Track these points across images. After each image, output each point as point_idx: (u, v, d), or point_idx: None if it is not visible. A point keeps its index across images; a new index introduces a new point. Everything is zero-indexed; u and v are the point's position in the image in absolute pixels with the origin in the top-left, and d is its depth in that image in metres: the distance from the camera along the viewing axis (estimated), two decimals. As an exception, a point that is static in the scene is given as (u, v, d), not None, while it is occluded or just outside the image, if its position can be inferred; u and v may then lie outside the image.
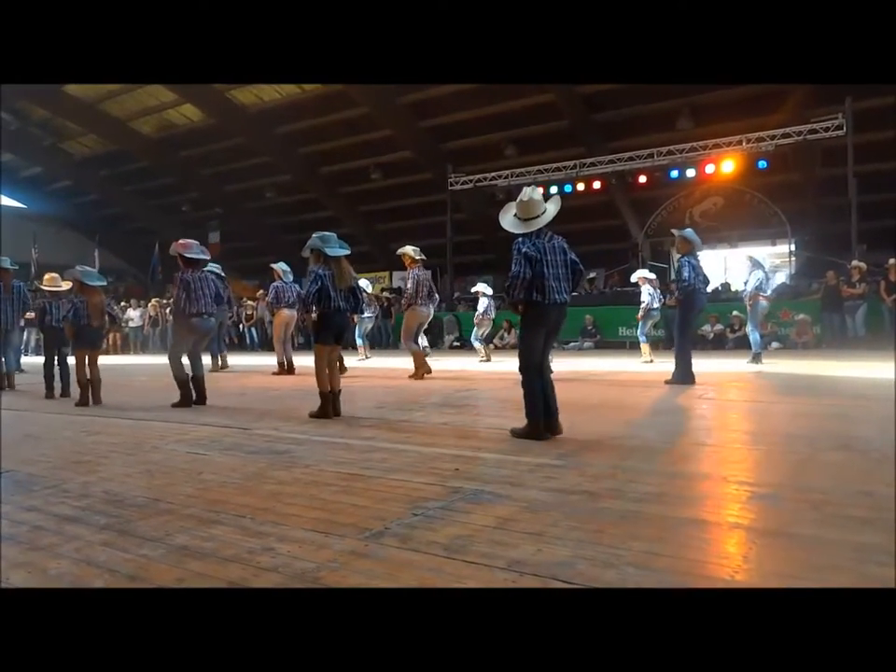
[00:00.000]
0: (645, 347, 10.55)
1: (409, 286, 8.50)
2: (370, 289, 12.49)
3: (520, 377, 4.17)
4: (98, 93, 20.11)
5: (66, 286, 7.59)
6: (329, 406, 5.17)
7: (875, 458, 3.31)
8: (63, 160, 24.74)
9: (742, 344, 11.98)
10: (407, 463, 3.44)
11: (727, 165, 15.42)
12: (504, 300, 16.59)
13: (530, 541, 2.17)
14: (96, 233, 24.54)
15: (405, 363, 8.97)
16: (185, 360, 6.27)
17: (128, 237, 28.69)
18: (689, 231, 7.24)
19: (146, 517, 2.57)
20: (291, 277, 10.17)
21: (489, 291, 11.93)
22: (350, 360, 10.08)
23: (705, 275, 7.16)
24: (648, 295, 10.27)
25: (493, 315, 11.77)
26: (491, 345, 13.26)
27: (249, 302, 19.41)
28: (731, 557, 2.06)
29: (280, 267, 10.03)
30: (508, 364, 9.71)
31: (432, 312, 8.99)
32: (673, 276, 14.67)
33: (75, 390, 6.72)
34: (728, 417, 5.15)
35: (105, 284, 6.92)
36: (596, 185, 17.04)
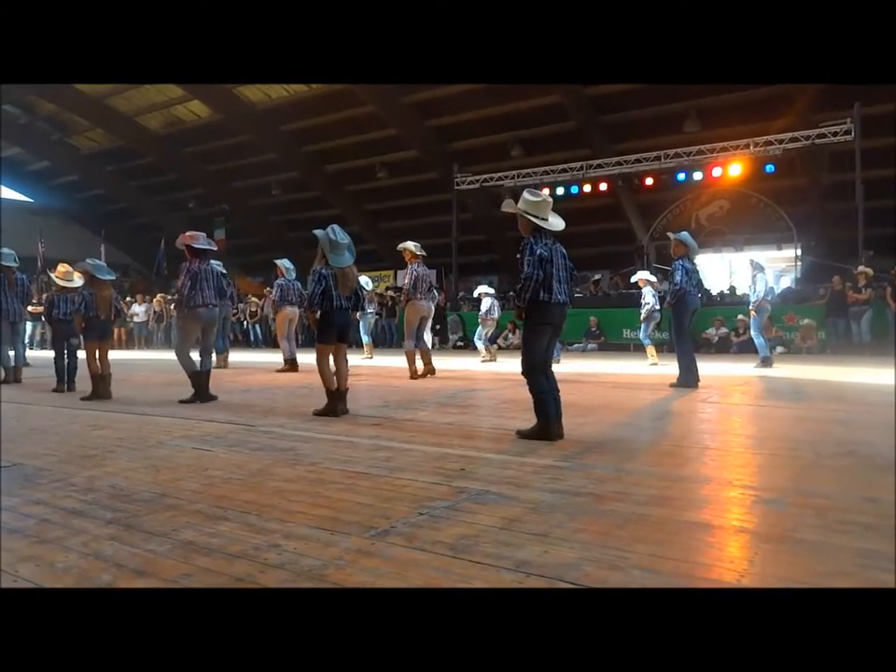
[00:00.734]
0: (650, 349, 10.54)
1: (407, 280, 8.52)
2: (369, 287, 12.51)
3: (524, 379, 4.19)
4: (105, 89, 20.16)
5: (79, 281, 7.61)
6: (336, 404, 5.16)
7: (880, 464, 3.31)
8: (69, 154, 24.81)
9: (746, 348, 11.97)
10: (412, 462, 3.45)
11: (734, 169, 15.38)
12: (512, 301, 16.61)
13: (536, 542, 2.17)
14: (102, 228, 24.59)
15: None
16: (195, 356, 6.28)
17: (134, 232, 28.75)
18: (684, 235, 7.23)
19: (152, 512, 2.58)
20: (295, 274, 10.19)
21: (491, 291, 11.92)
22: (354, 359, 10.08)
23: (699, 279, 7.19)
24: (651, 297, 10.26)
25: (496, 315, 11.76)
26: (495, 345, 13.24)
27: (254, 299, 19.44)
28: (736, 561, 2.07)
29: (284, 264, 10.05)
30: (511, 365, 9.71)
31: (433, 307, 8.99)
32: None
33: (81, 384, 6.74)
34: (732, 421, 5.15)
35: (114, 278, 6.95)
36: (603, 187, 17.00)
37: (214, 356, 6.94)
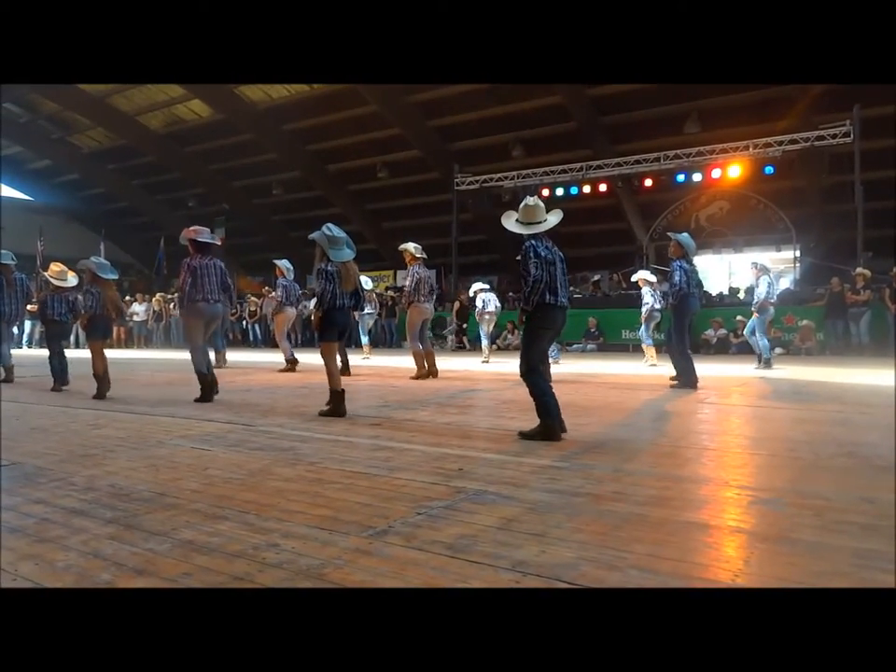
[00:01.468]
0: (650, 350, 10.55)
1: (408, 283, 8.49)
2: (369, 286, 12.50)
3: (523, 381, 4.21)
4: (106, 88, 20.20)
5: (73, 280, 7.59)
6: (342, 405, 5.15)
7: (878, 465, 3.32)
8: (70, 153, 24.85)
9: (745, 349, 11.97)
10: (411, 462, 3.46)
11: (734, 170, 15.42)
12: (512, 303, 16.56)
13: (534, 542, 2.18)
14: (102, 227, 24.62)
15: (408, 362, 8.99)
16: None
17: (134, 231, 28.78)
18: (684, 236, 7.24)
19: (152, 511, 2.59)
20: (293, 275, 10.22)
21: (486, 286, 11.83)
22: (354, 359, 10.09)
23: (698, 280, 7.24)
24: (650, 296, 10.26)
25: (492, 309, 11.34)
26: (494, 345, 13.23)
27: (253, 299, 19.45)
28: (732, 561, 2.08)
29: (283, 264, 10.07)
30: (510, 365, 9.72)
31: (433, 309, 9.00)
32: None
33: (84, 383, 6.74)
34: (730, 422, 5.15)
35: (117, 277, 6.95)
36: (603, 187, 17.04)
37: (212, 353, 6.92)
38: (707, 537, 2.30)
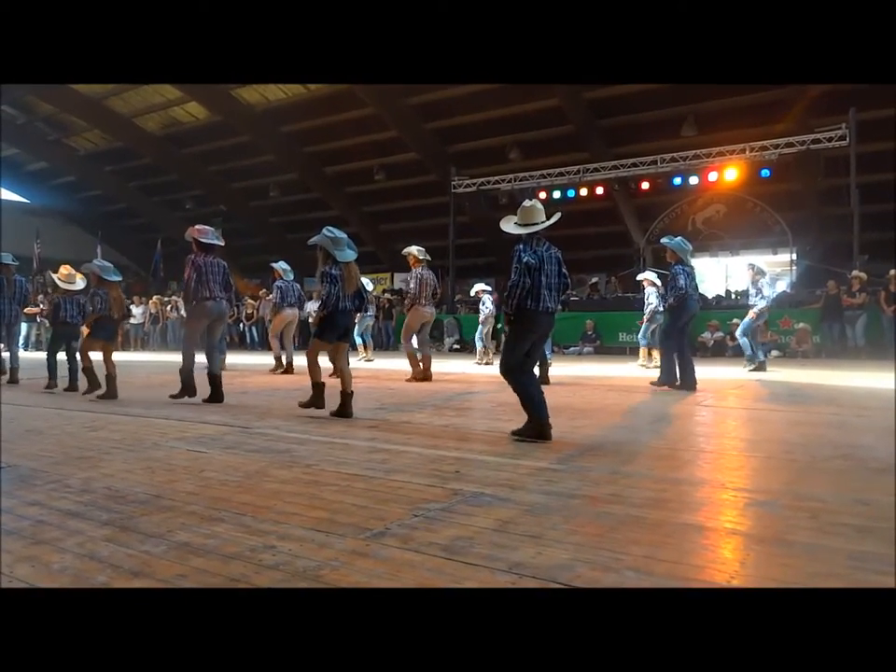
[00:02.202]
0: (644, 351, 10.55)
1: (412, 285, 8.49)
2: (370, 288, 12.49)
3: (507, 382, 4.23)
4: (103, 90, 20.17)
5: (81, 283, 7.59)
6: (321, 398, 5.22)
7: (874, 468, 3.33)
8: (67, 155, 24.80)
9: (742, 352, 11.96)
10: (408, 464, 3.46)
11: (730, 173, 15.45)
12: (501, 308, 16.55)
13: (530, 544, 2.18)
14: (99, 229, 24.58)
15: (406, 364, 8.98)
16: (201, 357, 6.25)
17: (131, 233, 28.74)
18: (676, 242, 7.28)
19: (148, 513, 2.58)
20: (292, 276, 10.19)
21: (489, 288, 11.88)
22: (352, 360, 10.08)
23: (696, 284, 7.37)
24: (654, 297, 10.22)
25: (496, 313, 11.59)
26: (493, 343, 13.21)
27: (250, 301, 19.43)
28: (728, 563, 2.08)
29: (280, 266, 10.04)
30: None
31: (434, 312, 9.00)
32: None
33: (82, 385, 6.73)
34: (727, 424, 5.16)
35: (121, 279, 6.95)
36: (599, 190, 17.06)
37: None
38: (704, 538, 2.31)
